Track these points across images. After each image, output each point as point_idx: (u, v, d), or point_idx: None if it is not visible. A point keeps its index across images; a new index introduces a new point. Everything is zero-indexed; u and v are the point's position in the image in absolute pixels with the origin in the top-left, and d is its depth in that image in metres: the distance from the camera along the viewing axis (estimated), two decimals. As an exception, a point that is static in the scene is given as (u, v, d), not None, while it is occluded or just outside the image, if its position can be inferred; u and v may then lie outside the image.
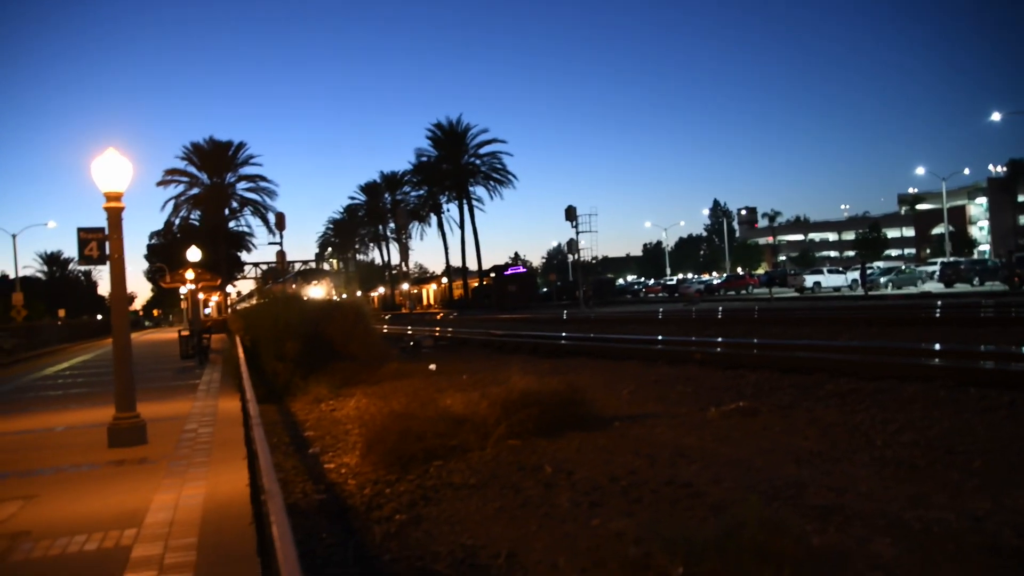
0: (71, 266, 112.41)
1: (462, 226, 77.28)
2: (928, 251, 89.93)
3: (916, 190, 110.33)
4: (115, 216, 8.68)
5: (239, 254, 74.40)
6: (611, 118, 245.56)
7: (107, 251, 8.88)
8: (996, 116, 48.76)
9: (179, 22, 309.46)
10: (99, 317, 66.19)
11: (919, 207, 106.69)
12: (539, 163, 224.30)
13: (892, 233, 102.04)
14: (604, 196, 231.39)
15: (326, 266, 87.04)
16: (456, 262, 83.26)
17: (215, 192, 65.63)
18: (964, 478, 5.78)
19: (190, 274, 27.05)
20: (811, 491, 5.72)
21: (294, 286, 53.98)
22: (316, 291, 50.40)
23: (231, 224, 69.12)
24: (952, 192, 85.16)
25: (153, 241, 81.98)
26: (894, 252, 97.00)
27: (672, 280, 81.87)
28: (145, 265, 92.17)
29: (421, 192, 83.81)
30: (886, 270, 52.39)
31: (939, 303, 26.56)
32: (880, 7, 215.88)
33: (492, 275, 78.32)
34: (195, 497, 6.20)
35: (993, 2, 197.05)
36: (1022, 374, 9.25)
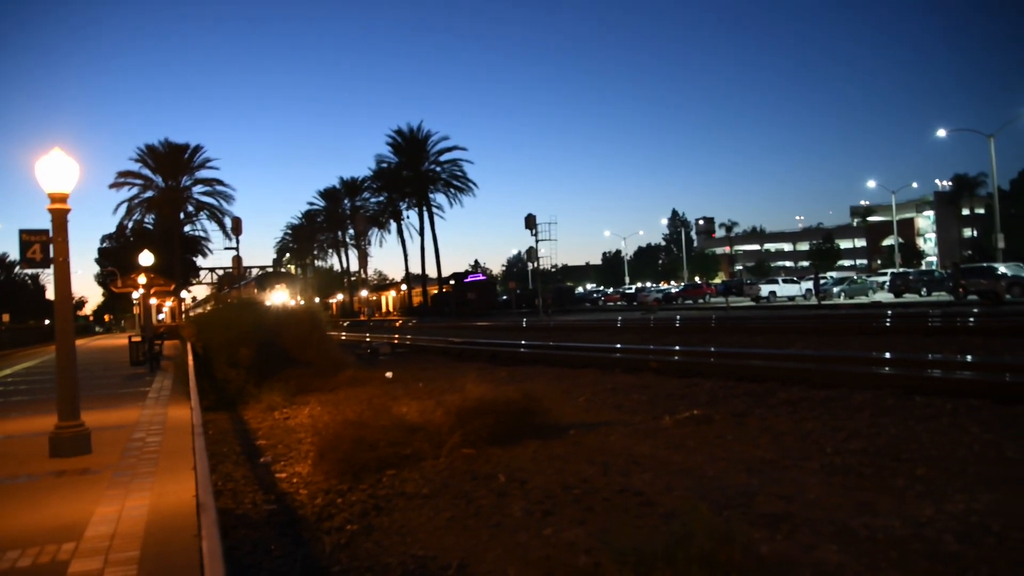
0: (16, 269, 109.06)
1: (422, 233, 77.06)
2: (879, 262, 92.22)
3: (867, 203, 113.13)
4: (60, 218, 8.43)
5: (194, 259, 73.09)
6: (572, 127, 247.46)
7: (51, 254, 8.60)
8: (942, 132, 50.23)
9: (136, 23, 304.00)
10: (47, 322, 64.27)
11: (870, 219, 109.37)
12: (500, 171, 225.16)
13: (845, 244, 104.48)
14: (564, 205, 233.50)
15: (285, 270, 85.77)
16: (416, 269, 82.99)
17: (170, 195, 64.35)
18: (908, 484, 5.89)
19: (142, 279, 26.43)
20: (761, 499, 5.77)
21: (255, 291, 52.50)
22: (278, 296, 49.20)
23: (186, 228, 67.89)
24: (901, 205, 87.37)
25: (105, 244, 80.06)
26: (847, 262, 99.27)
27: (631, 289, 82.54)
28: (96, 269, 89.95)
29: (381, 198, 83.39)
30: (839, 280, 53.49)
31: (889, 312, 27.21)
32: (832, 27, 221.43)
33: (452, 282, 78.19)
34: (139, 509, 6.01)
35: (940, 26, 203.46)
36: (964, 382, 9.51)
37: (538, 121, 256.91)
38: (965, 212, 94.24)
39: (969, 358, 12.53)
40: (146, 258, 25.09)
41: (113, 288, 52.45)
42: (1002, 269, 36.09)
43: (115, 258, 63.73)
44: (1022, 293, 34.88)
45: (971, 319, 20.94)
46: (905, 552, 4.53)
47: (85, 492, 6.69)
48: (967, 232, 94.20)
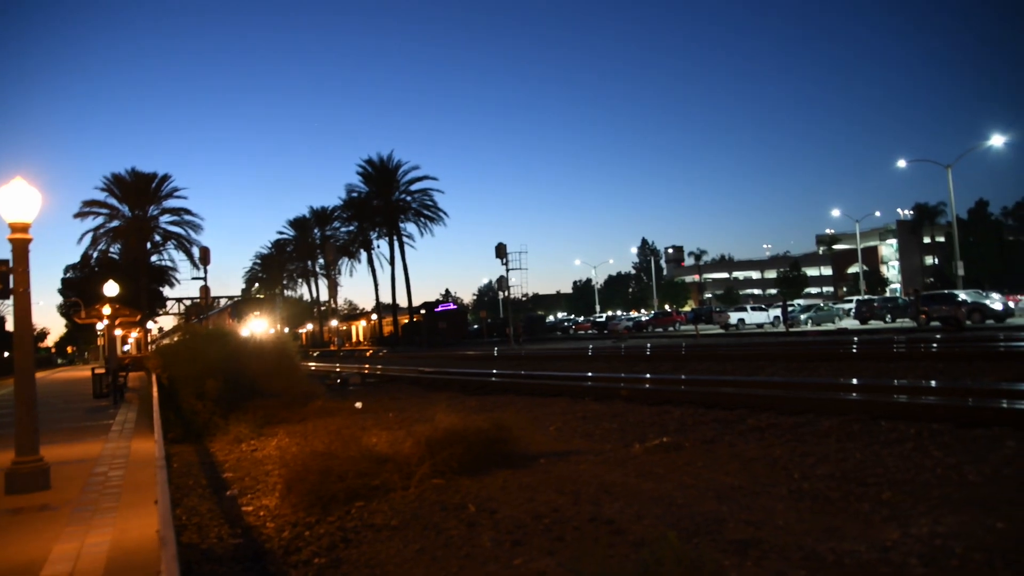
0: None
1: (392, 262, 76.87)
2: (845, 289, 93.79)
3: (832, 231, 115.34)
4: (21, 248, 8.30)
5: (161, 289, 72.07)
6: (541, 157, 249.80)
7: (11, 284, 8.45)
8: (902, 163, 51.47)
9: (102, 52, 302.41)
10: (6, 355, 62.74)
11: (836, 247, 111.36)
12: (470, 200, 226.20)
13: (811, 272, 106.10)
14: (534, 234, 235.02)
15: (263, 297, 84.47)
16: (386, 299, 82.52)
17: (137, 225, 63.57)
18: (874, 509, 5.96)
19: (107, 309, 25.98)
20: (730, 525, 5.79)
21: (230, 319, 51.21)
22: (256, 324, 48.02)
23: (153, 258, 66.98)
24: (865, 233, 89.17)
25: (69, 275, 78.69)
26: (813, 290, 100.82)
27: (602, 317, 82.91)
28: (59, 299, 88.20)
29: (351, 228, 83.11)
30: (806, 307, 54.26)
31: (855, 339, 27.61)
32: (796, 58, 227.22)
33: (423, 312, 77.86)
34: (100, 545, 5.86)
35: (901, 58, 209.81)
36: (927, 407, 9.66)
37: (509, 151, 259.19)
38: (927, 240, 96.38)
39: (933, 383, 12.75)
40: (111, 288, 24.67)
41: (77, 319, 51.40)
42: (962, 296, 36.89)
43: (79, 288, 62.65)
44: (982, 319, 35.67)
45: (934, 345, 21.33)
46: (871, 576, 4.57)
47: (43, 529, 6.51)
48: (929, 260, 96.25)
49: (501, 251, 57.52)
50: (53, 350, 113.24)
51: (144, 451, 10.87)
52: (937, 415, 9.25)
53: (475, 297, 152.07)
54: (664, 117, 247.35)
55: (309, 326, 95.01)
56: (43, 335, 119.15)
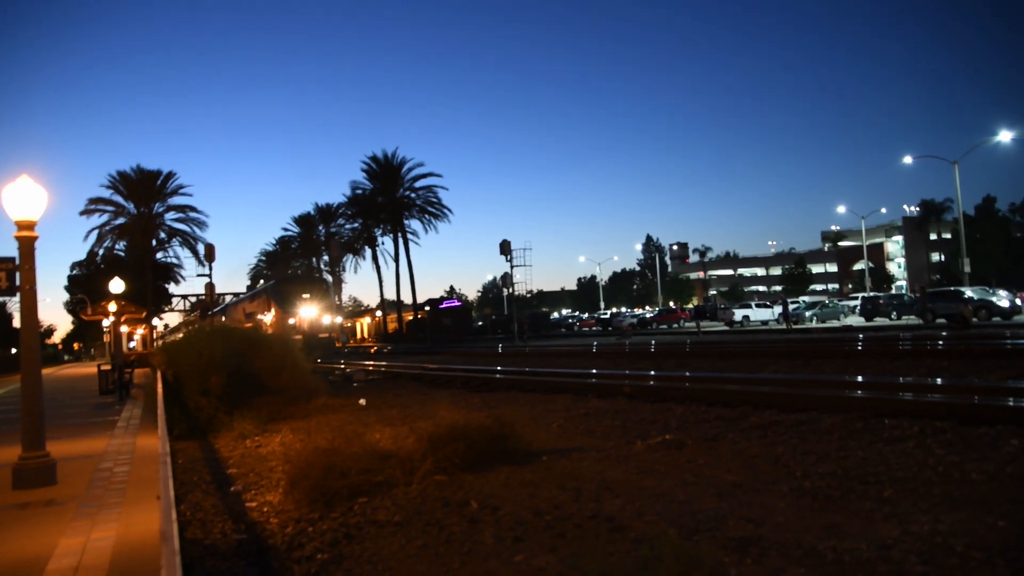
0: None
1: (397, 259, 76.83)
2: (850, 286, 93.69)
3: (838, 228, 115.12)
4: (27, 245, 8.36)
5: (167, 286, 72.27)
6: (546, 154, 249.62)
7: (18, 282, 8.51)
8: (908, 159, 51.29)
9: (106, 49, 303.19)
10: (13, 351, 63.05)
11: (841, 244, 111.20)
12: (475, 197, 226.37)
13: (816, 268, 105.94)
14: (539, 231, 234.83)
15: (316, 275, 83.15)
16: (391, 295, 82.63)
17: (142, 222, 63.74)
18: (875, 507, 5.97)
19: (113, 306, 26.14)
20: (731, 523, 5.81)
21: (272, 307, 47.11)
22: (306, 312, 44.41)
23: (159, 255, 67.18)
24: (871, 230, 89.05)
25: (75, 272, 78.95)
26: (819, 287, 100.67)
27: (606, 314, 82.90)
28: (66, 296, 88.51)
29: (356, 225, 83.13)
30: (811, 304, 54.17)
31: (859, 336, 27.56)
32: (802, 55, 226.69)
33: (427, 308, 77.93)
34: (105, 540, 5.92)
35: (907, 54, 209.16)
36: (931, 404, 9.66)
37: (513, 148, 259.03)
38: (933, 237, 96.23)
39: (937, 381, 12.74)
40: (117, 285, 24.79)
41: (83, 316, 51.57)
42: (968, 293, 36.80)
43: (85, 285, 62.80)
44: (988, 316, 35.60)
45: (939, 342, 21.28)
46: (871, 574, 4.59)
47: (49, 524, 6.57)
48: (935, 256, 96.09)
49: (505, 248, 57.44)
50: (60, 347, 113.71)
51: (149, 447, 10.93)
52: (941, 413, 9.24)
53: (480, 294, 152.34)
54: (670, 114, 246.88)
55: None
56: (50, 332, 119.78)
